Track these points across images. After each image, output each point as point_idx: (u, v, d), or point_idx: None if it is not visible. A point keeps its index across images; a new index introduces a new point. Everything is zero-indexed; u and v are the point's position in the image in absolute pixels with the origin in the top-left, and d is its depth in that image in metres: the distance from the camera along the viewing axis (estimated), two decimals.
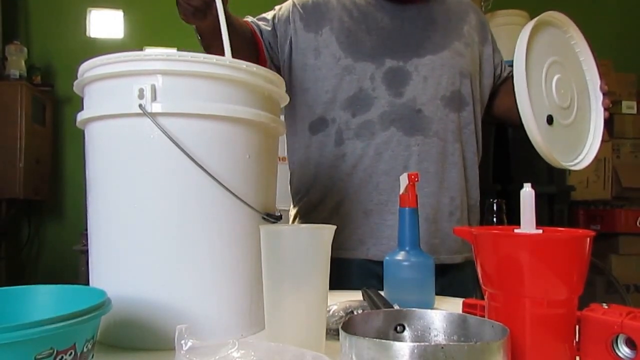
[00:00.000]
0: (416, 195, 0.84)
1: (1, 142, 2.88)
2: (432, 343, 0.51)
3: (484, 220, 0.98)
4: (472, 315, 0.54)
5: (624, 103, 3.32)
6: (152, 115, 0.62)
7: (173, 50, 0.72)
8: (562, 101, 0.99)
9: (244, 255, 0.68)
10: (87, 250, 0.72)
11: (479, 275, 0.54)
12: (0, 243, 3.04)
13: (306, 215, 1.18)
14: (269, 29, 1.18)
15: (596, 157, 1.03)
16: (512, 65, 0.94)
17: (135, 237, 0.65)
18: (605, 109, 1.06)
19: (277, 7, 1.23)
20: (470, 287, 1.15)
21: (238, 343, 0.47)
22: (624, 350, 0.49)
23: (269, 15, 1.21)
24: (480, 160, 1.25)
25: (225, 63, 0.66)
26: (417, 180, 0.82)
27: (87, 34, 3.44)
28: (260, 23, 1.18)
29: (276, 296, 0.58)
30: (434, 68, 1.13)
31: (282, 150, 1.09)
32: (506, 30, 2.39)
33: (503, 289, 0.51)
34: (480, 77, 1.23)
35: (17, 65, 3.07)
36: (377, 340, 0.43)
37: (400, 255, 0.83)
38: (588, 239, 0.50)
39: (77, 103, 0.72)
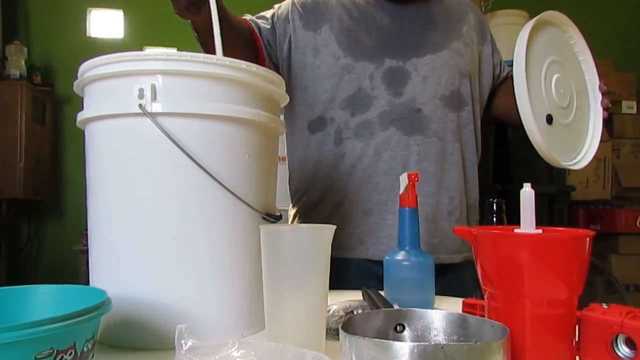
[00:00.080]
0: (416, 195, 0.84)
1: (1, 142, 2.88)
2: (432, 343, 0.51)
3: (484, 220, 0.98)
4: (472, 315, 0.54)
5: (624, 103, 3.32)
6: (152, 115, 0.62)
7: (173, 50, 0.72)
8: (562, 101, 0.99)
9: (244, 255, 0.68)
10: (87, 250, 0.72)
11: (479, 275, 0.54)
12: (0, 243, 3.04)
13: (305, 215, 1.18)
14: (268, 27, 1.18)
15: (595, 156, 1.04)
16: (511, 65, 0.94)
17: (135, 237, 0.65)
18: (604, 109, 1.06)
19: (276, 6, 1.23)
20: (469, 287, 1.15)
21: (238, 343, 0.47)
22: (623, 350, 0.49)
23: (268, 13, 1.21)
24: (480, 160, 1.25)
25: (225, 63, 0.66)
26: (417, 180, 0.82)
27: (87, 34, 3.44)
28: (259, 21, 1.18)
29: (276, 296, 0.58)
30: (434, 68, 1.13)
31: (282, 150, 1.09)
32: (506, 30, 2.39)
33: (503, 289, 0.51)
34: (479, 76, 1.23)
35: (17, 65, 3.07)
36: (377, 340, 0.43)
37: (400, 255, 0.83)
38: (588, 239, 0.50)
39: (77, 103, 0.72)
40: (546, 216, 2.38)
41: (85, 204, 0.71)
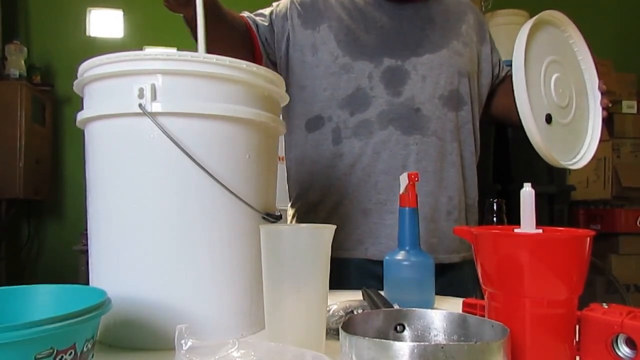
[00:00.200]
0: (416, 195, 0.84)
1: (1, 142, 2.88)
2: (432, 343, 0.51)
3: (484, 220, 0.98)
4: (472, 315, 0.54)
5: (624, 103, 3.32)
6: (152, 115, 0.62)
7: (173, 50, 0.71)
8: (561, 100, 0.99)
9: (244, 255, 0.68)
10: (87, 250, 0.72)
11: (479, 275, 0.54)
12: (0, 243, 3.04)
13: (304, 215, 1.18)
14: (266, 24, 1.18)
15: (594, 156, 1.04)
16: (510, 65, 0.94)
17: (135, 237, 0.65)
18: (603, 108, 1.06)
19: (275, 4, 1.23)
20: (469, 287, 1.15)
21: (238, 343, 0.47)
22: (624, 350, 0.49)
23: (266, 11, 1.21)
24: (480, 160, 1.25)
25: (225, 63, 0.66)
26: (417, 179, 0.82)
27: (87, 34, 3.44)
28: (257, 18, 1.18)
29: (276, 296, 0.58)
30: (433, 67, 1.13)
31: (282, 149, 1.09)
32: (506, 30, 2.39)
33: (503, 288, 0.51)
34: (478, 76, 1.23)
35: (17, 65, 3.07)
36: (377, 340, 0.43)
37: (400, 255, 0.83)
38: (588, 239, 0.50)
39: (77, 103, 0.72)
40: (546, 216, 2.38)
41: (85, 204, 0.71)
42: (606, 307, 0.52)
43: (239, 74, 0.67)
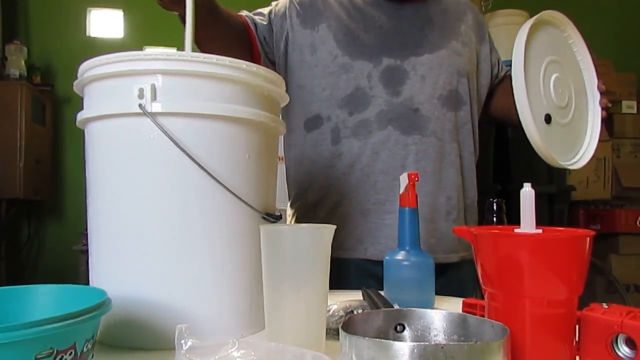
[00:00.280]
0: (416, 195, 0.84)
1: (1, 142, 2.88)
2: (432, 343, 0.51)
3: (484, 220, 0.98)
4: (472, 315, 0.54)
5: (624, 103, 3.32)
6: (152, 115, 0.62)
7: (173, 50, 0.71)
8: (560, 100, 0.99)
9: (244, 255, 0.68)
10: (87, 250, 0.72)
11: (479, 275, 0.54)
12: (0, 243, 3.04)
13: (304, 215, 1.18)
14: (265, 23, 1.18)
15: (594, 156, 1.04)
16: (510, 65, 0.94)
17: (135, 237, 0.65)
18: (602, 108, 1.06)
19: (274, 3, 1.23)
20: (468, 287, 1.15)
21: (238, 343, 0.47)
22: (624, 350, 0.49)
23: (265, 10, 1.21)
24: (481, 160, 1.25)
25: (225, 63, 0.66)
26: (417, 180, 0.82)
27: (87, 34, 3.44)
28: (255, 17, 1.18)
29: (276, 296, 0.58)
30: (432, 67, 1.13)
31: (281, 149, 1.09)
32: (506, 30, 2.39)
33: (503, 289, 0.51)
34: (477, 76, 1.23)
35: (17, 65, 3.07)
36: (377, 340, 0.43)
37: (400, 255, 0.83)
38: (588, 239, 0.50)
39: (77, 103, 0.72)
40: (546, 216, 2.38)
41: (85, 204, 0.71)
42: (606, 307, 0.52)
43: (238, 74, 0.67)
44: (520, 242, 0.50)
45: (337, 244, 1.06)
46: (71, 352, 0.43)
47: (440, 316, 0.52)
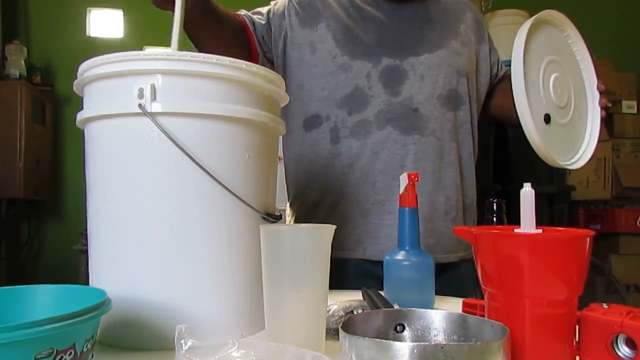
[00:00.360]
0: (416, 195, 0.84)
1: (1, 142, 2.88)
2: (432, 343, 0.51)
3: (484, 220, 0.98)
4: (472, 315, 0.54)
5: (624, 103, 3.32)
6: (152, 115, 0.62)
7: (173, 50, 0.71)
8: (560, 100, 0.99)
9: (244, 255, 0.68)
10: (87, 250, 0.72)
11: (479, 275, 0.54)
12: (0, 243, 3.04)
13: (303, 215, 1.18)
14: (264, 22, 1.18)
15: (593, 156, 1.04)
16: (509, 65, 0.94)
17: (135, 237, 0.65)
18: (602, 108, 1.06)
19: (272, 2, 1.23)
20: (466, 287, 1.15)
21: (238, 343, 0.47)
22: (624, 350, 0.49)
23: (264, 9, 1.21)
24: (481, 160, 1.25)
25: (225, 63, 0.66)
26: (417, 180, 0.82)
27: (87, 34, 3.44)
28: (254, 17, 1.19)
29: (276, 296, 0.58)
30: (431, 67, 1.13)
31: (280, 149, 1.09)
32: (506, 30, 2.39)
33: (503, 289, 0.51)
34: (477, 76, 1.23)
35: (17, 65, 3.07)
36: (377, 340, 0.43)
37: (400, 255, 0.83)
38: (588, 239, 0.50)
39: (77, 103, 0.72)
40: (546, 216, 2.38)
41: (85, 204, 0.71)
42: (606, 307, 0.52)
43: (238, 73, 0.67)
44: (520, 242, 0.50)
45: (337, 244, 1.06)
46: (71, 352, 0.43)
47: (440, 316, 0.52)
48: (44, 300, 0.54)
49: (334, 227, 0.59)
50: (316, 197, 1.15)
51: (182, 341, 0.47)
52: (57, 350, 0.42)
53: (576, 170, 1.04)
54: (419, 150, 1.10)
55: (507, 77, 1.12)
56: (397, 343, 0.42)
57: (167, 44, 0.74)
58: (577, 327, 0.51)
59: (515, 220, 0.54)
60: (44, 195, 3.19)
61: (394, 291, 0.82)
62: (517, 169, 2.33)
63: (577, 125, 1.04)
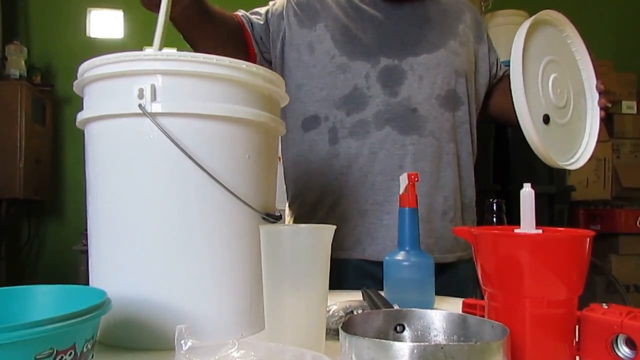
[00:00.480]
0: (416, 195, 0.84)
1: (1, 142, 2.88)
2: (432, 343, 0.51)
3: (484, 221, 0.98)
4: (472, 315, 0.54)
5: (624, 103, 3.32)
6: (152, 115, 0.62)
7: (173, 50, 0.71)
8: (559, 100, 0.99)
9: (244, 255, 0.68)
10: (87, 250, 0.72)
11: (479, 275, 0.54)
12: (0, 243, 3.04)
13: (302, 215, 1.18)
14: (262, 22, 1.18)
15: (592, 156, 1.03)
16: (508, 65, 0.94)
17: (135, 237, 0.65)
18: (601, 108, 1.06)
19: (271, 2, 1.23)
20: (464, 286, 1.15)
21: (238, 343, 0.47)
22: (624, 350, 0.49)
23: (262, 9, 1.21)
24: (481, 160, 1.25)
25: (225, 63, 0.66)
26: (417, 180, 0.82)
27: (87, 34, 3.44)
28: (252, 17, 1.19)
29: (276, 296, 0.58)
30: (430, 67, 1.13)
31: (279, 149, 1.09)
32: (505, 30, 2.39)
33: (503, 289, 0.51)
34: (475, 76, 1.23)
35: (17, 65, 3.07)
36: (377, 340, 0.43)
37: (400, 255, 0.83)
38: (588, 239, 0.50)
39: (77, 103, 0.72)
40: (546, 216, 2.38)
41: (85, 204, 0.71)
42: (606, 307, 0.52)
43: (238, 74, 0.67)
44: (520, 242, 0.50)
45: (336, 244, 1.05)
46: (71, 353, 0.43)
47: (440, 316, 0.52)
48: (44, 300, 0.54)
49: (334, 227, 0.59)
50: (315, 197, 1.15)
51: (182, 341, 0.47)
52: (57, 351, 0.42)
53: (576, 170, 1.04)
54: (418, 150, 1.10)
55: (507, 77, 1.13)
56: (397, 343, 0.42)
57: (167, 44, 0.74)
58: (577, 327, 0.51)
59: (515, 220, 0.54)
60: (44, 195, 3.19)
61: (394, 291, 0.82)
62: (517, 169, 2.33)
63: (576, 125, 1.04)
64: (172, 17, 1.00)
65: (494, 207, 0.96)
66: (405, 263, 0.82)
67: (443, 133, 1.13)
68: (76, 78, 0.70)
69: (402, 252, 0.83)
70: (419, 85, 1.12)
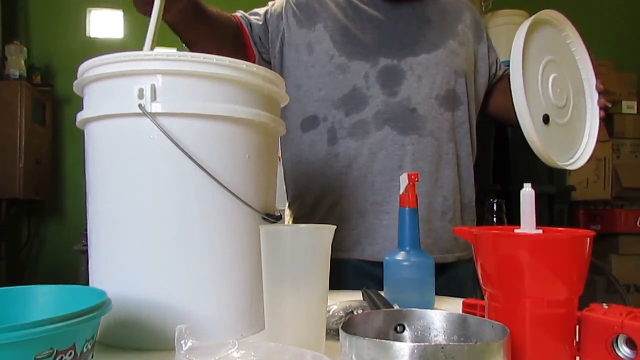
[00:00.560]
0: (416, 195, 0.84)
1: (1, 142, 2.88)
2: (432, 343, 0.51)
3: (484, 221, 0.98)
4: (472, 315, 0.54)
5: (624, 103, 3.32)
6: (152, 115, 0.62)
7: (173, 50, 0.71)
8: (558, 100, 0.99)
9: (244, 255, 0.68)
10: (87, 250, 0.72)
11: (479, 275, 0.54)
12: (0, 243, 3.04)
13: (302, 215, 1.18)
14: (260, 23, 1.18)
15: (592, 156, 1.03)
16: (508, 65, 0.94)
17: (135, 237, 0.65)
18: (601, 108, 1.06)
19: (270, 3, 1.23)
20: (464, 286, 1.15)
21: (238, 343, 0.47)
22: (624, 350, 0.49)
23: (261, 10, 1.21)
24: (481, 160, 1.25)
25: (225, 63, 0.66)
26: (417, 180, 0.82)
27: (87, 34, 3.44)
28: (251, 17, 1.19)
29: (276, 296, 0.58)
30: (429, 67, 1.13)
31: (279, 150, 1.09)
32: (506, 30, 2.39)
33: (503, 289, 0.51)
34: (475, 75, 1.23)
35: (17, 65, 3.07)
36: (377, 340, 0.43)
37: (400, 255, 0.83)
38: (588, 239, 0.50)
39: (77, 103, 0.72)
40: (546, 216, 2.38)
41: (85, 204, 0.71)
42: (606, 307, 0.52)
43: (238, 74, 0.67)
44: (520, 242, 0.50)
45: (335, 244, 1.05)
46: (71, 353, 0.43)
47: (440, 316, 0.52)
48: (44, 300, 0.54)
49: (334, 227, 0.59)
50: (315, 197, 1.15)
51: (182, 341, 0.47)
52: (57, 351, 0.42)
53: (576, 170, 1.04)
54: (417, 150, 1.10)
55: (506, 77, 1.12)
56: (397, 343, 0.42)
57: (167, 44, 0.74)
58: (577, 327, 0.51)
59: (515, 220, 0.54)
60: (44, 195, 3.19)
61: (394, 291, 0.82)
62: (517, 169, 2.33)
63: (576, 125, 1.04)
64: (169, 21, 1.00)
65: (494, 207, 0.96)
66: (405, 263, 0.82)
67: (442, 133, 1.13)
68: (76, 78, 0.70)
69: (402, 252, 0.83)
70: (418, 85, 1.11)
